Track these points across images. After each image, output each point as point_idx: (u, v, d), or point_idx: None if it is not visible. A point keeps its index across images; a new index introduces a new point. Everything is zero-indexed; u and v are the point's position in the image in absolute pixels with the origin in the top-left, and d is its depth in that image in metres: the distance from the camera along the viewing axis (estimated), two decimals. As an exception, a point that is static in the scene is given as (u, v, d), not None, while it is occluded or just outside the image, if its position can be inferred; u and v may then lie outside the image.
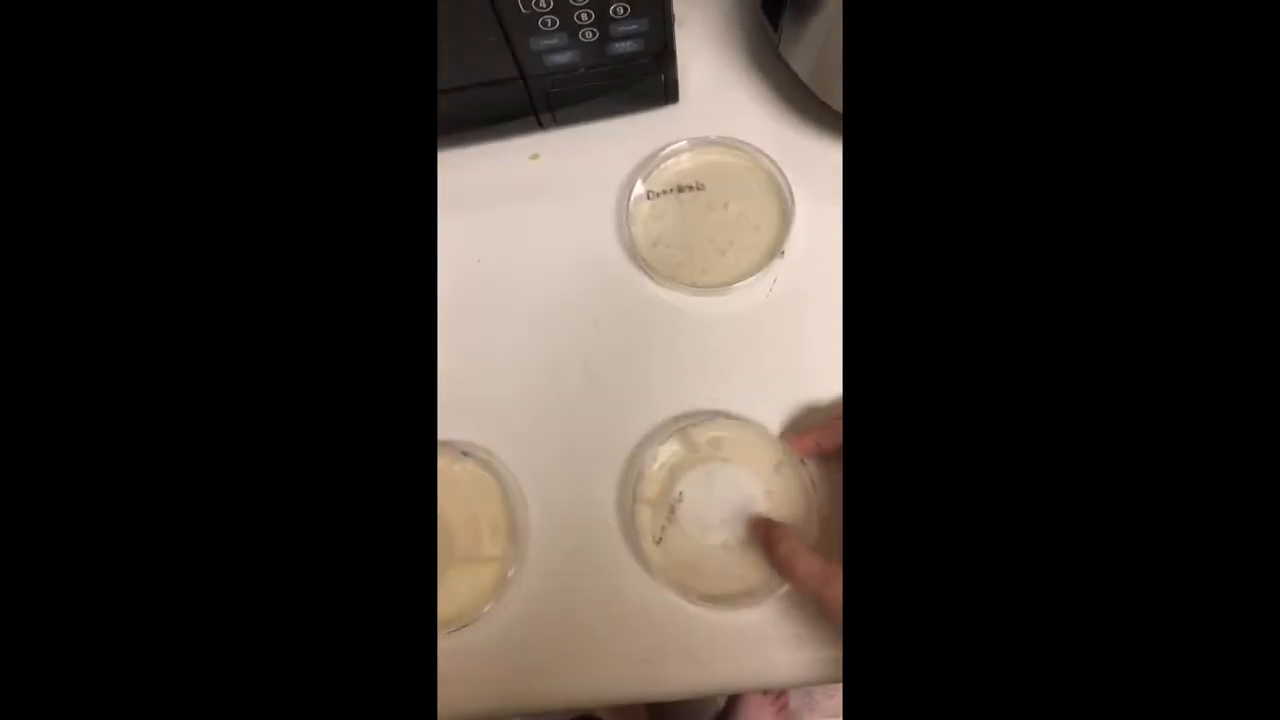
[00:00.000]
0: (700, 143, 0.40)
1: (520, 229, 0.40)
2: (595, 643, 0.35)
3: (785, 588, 0.33)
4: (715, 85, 0.42)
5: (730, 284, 0.38)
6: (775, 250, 0.38)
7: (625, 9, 0.33)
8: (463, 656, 0.34)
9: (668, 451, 0.35)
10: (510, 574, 0.35)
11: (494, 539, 0.35)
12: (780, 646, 0.34)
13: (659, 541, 0.34)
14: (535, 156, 0.41)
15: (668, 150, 0.40)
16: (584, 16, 0.33)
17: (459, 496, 0.36)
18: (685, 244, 0.39)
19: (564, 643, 0.35)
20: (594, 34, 0.34)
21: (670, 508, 0.34)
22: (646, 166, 0.40)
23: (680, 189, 0.40)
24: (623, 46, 0.35)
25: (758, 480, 0.35)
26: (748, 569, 0.34)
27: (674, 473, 0.35)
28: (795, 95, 0.41)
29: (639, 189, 0.40)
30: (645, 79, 0.38)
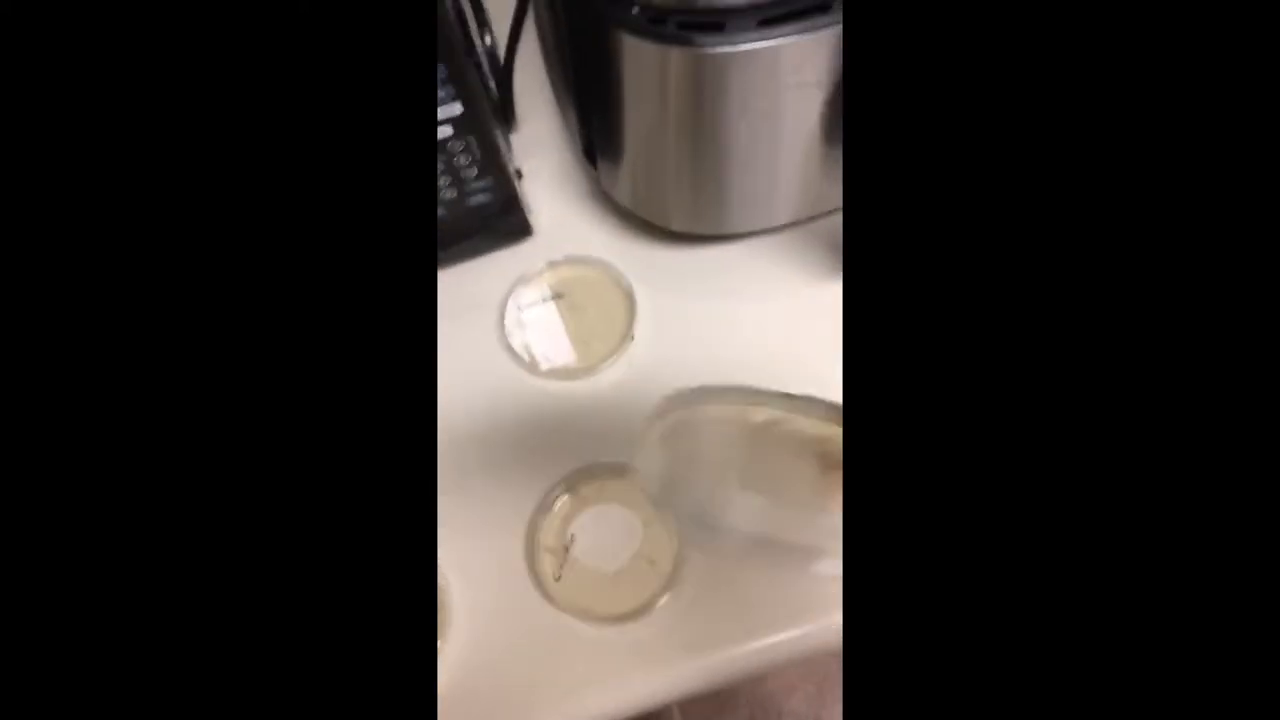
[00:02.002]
0: (556, 263, 0.50)
1: (421, 352, 0.49)
2: (521, 687, 0.40)
3: (667, 596, 0.40)
4: (562, 217, 0.53)
5: (596, 367, 0.47)
6: (626, 336, 0.48)
7: (474, 171, 0.44)
8: None
9: (560, 503, 0.43)
10: (441, 645, 0.40)
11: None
12: (679, 655, 0.40)
13: (559, 579, 0.41)
14: (426, 294, 0.51)
15: (531, 273, 0.50)
16: (443, 181, 0.44)
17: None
18: (556, 343, 0.48)
19: (494, 695, 0.40)
20: (454, 193, 0.45)
21: (565, 548, 0.41)
22: (516, 288, 0.50)
23: (545, 300, 0.50)
24: (477, 199, 0.46)
25: (635, 514, 0.42)
26: (636, 589, 0.41)
27: (566, 520, 0.42)
28: (622, 215, 0.52)
29: (513, 306, 0.49)
30: (502, 220, 0.49)
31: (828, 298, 0.49)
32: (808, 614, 0.41)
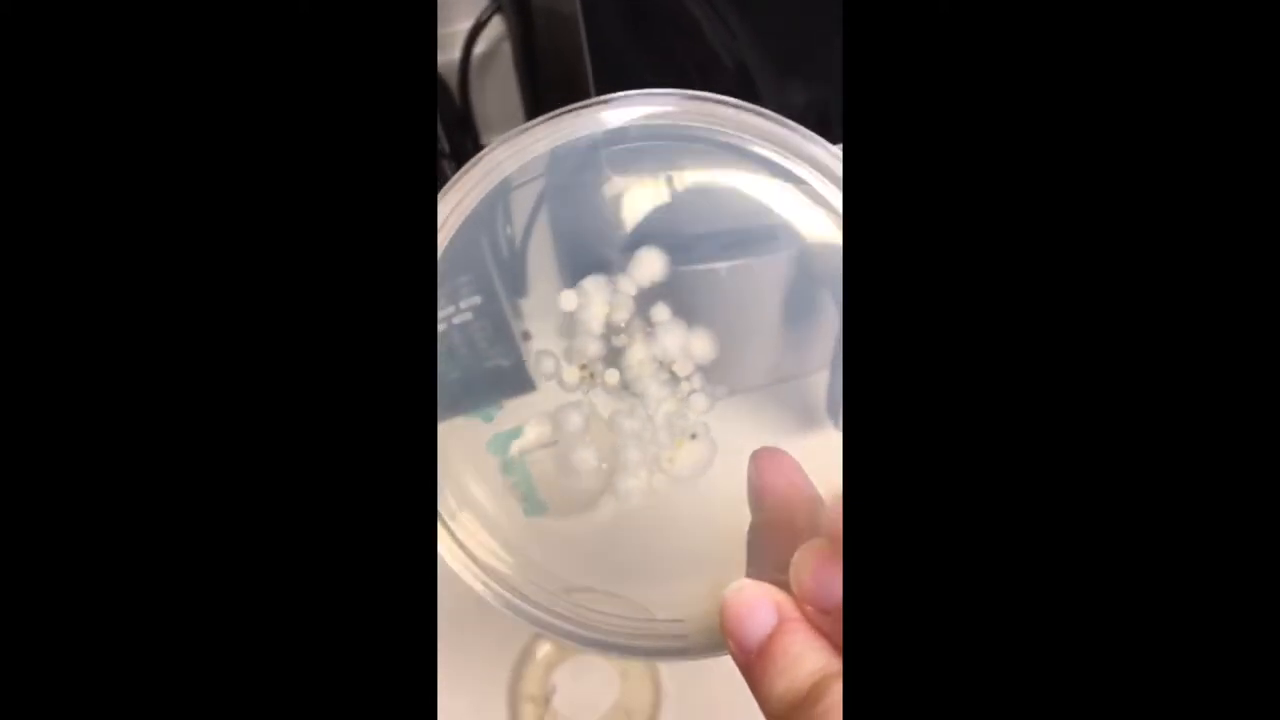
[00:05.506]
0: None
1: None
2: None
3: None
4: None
5: (588, 505, 0.50)
6: (610, 485, 0.51)
7: (487, 344, 0.49)
8: None
9: (542, 651, 0.45)
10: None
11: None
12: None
13: (540, 727, 0.43)
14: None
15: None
16: (464, 353, 0.49)
17: None
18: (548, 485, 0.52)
19: None
20: (470, 361, 0.50)
21: (546, 699, 0.44)
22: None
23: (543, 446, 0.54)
24: (490, 364, 0.51)
25: (613, 665, 0.45)
26: (612, 739, 0.43)
27: (548, 669, 0.45)
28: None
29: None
30: (509, 377, 0.53)
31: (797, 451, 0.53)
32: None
